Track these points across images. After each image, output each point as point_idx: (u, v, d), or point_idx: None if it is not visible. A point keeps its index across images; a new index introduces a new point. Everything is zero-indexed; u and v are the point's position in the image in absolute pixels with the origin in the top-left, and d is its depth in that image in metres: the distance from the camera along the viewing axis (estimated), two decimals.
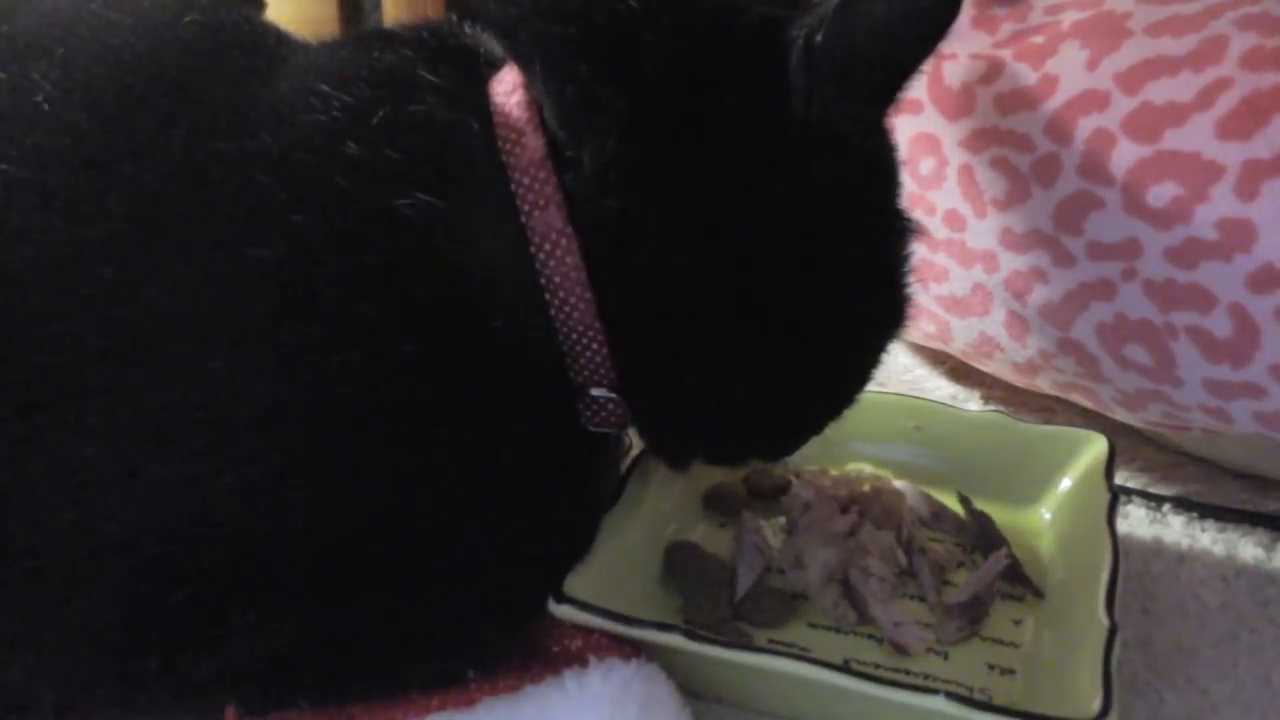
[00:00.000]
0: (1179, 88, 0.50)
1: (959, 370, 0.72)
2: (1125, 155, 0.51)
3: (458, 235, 0.39)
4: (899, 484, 0.56)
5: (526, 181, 0.39)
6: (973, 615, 0.48)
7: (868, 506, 0.53)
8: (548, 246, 0.39)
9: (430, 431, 0.39)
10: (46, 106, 0.38)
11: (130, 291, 0.37)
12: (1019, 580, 0.50)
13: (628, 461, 0.52)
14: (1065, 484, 0.55)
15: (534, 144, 0.39)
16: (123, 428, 0.36)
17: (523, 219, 0.39)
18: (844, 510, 0.53)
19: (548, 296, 0.39)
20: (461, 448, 0.40)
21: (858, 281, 0.43)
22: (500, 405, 0.40)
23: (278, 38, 0.44)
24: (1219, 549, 0.55)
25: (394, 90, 0.40)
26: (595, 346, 0.40)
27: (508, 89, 0.40)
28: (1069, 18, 0.56)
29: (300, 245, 0.37)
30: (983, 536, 0.53)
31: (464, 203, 0.39)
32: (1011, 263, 0.57)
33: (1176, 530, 0.56)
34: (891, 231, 0.44)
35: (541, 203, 0.38)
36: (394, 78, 0.40)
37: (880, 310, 0.45)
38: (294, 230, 0.37)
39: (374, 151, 0.38)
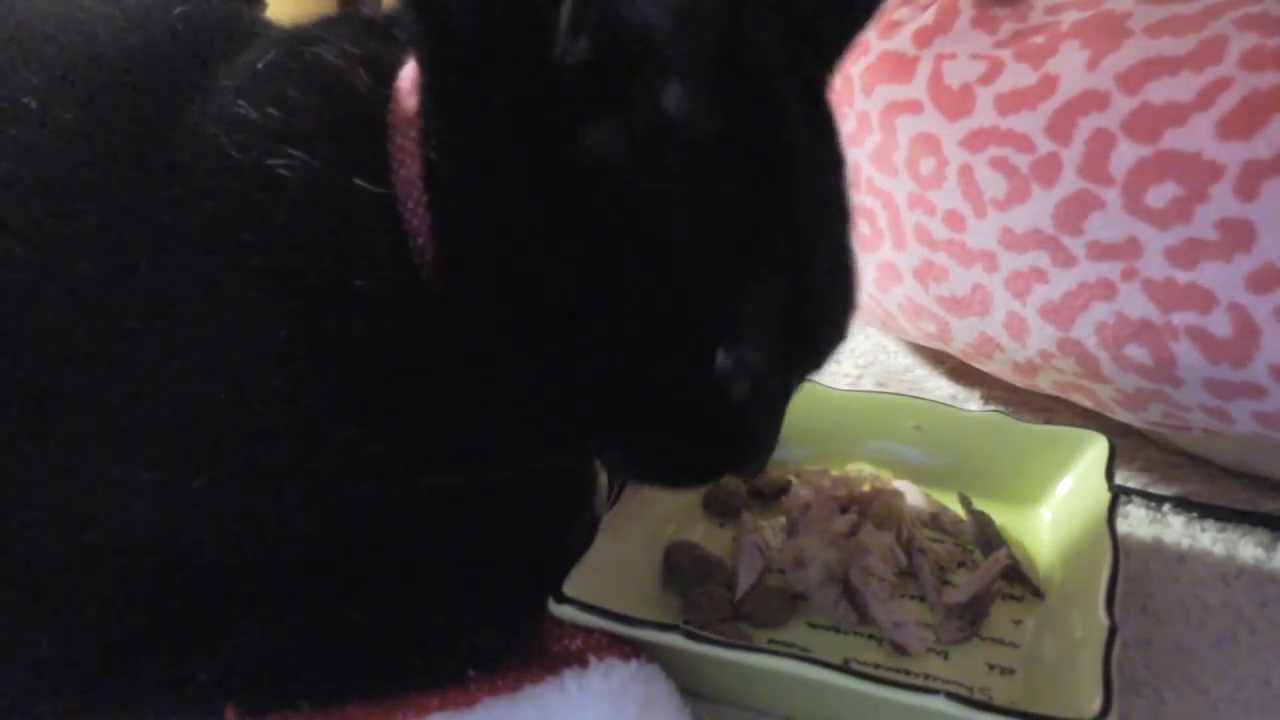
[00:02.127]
0: (1179, 88, 0.50)
1: (959, 370, 0.72)
2: (1125, 155, 0.51)
3: (330, 190, 0.38)
4: (899, 484, 0.56)
5: (398, 139, 0.38)
6: (973, 615, 0.48)
7: (868, 506, 0.53)
8: (410, 204, 0.38)
9: (334, 406, 0.38)
10: (34, 105, 0.38)
11: (105, 290, 0.37)
12: (1019, 580, 0.50)
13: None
14: (1065, 484, 0.55)
15: (409, 103, 0.38)
16: (92, 433, 0.36)
17: (393, 175, 0.38)
18: (844, 510, 0.53)
19: (413, 248, 0.38)
20: (379, 415, 0.39)
21: (628, 291, 0.37)
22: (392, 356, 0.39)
23: (257, 22, 0.44)
24: (1219, 549, 0.55)
25: (297, 49, 0.39)
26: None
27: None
28: (1069, 18, 0.56)
29: (207, 232, 0.37)
30: (983, 536, 0.53)
31: (340, 154, 0.38)
32: (1011, 263, 0.57)
33: (1176, 530, 0.56)
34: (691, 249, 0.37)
35: (408, 161, 0.38)
36: (308, 39, 0.40)
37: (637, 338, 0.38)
38: (205, 215, 0.37)
39: (258, 110, 0.38)
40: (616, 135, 0.36)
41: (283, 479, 0.38)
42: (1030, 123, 0.55)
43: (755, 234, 0.38)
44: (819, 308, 0.41)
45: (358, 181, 0.37)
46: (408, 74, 0.39)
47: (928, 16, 0.63)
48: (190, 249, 0.37)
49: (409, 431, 0.39)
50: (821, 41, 0.43)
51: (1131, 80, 0.52)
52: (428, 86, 0.37)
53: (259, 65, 0.39)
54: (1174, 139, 0.50)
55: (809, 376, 0.44)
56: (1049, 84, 0.55)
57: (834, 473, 0.57)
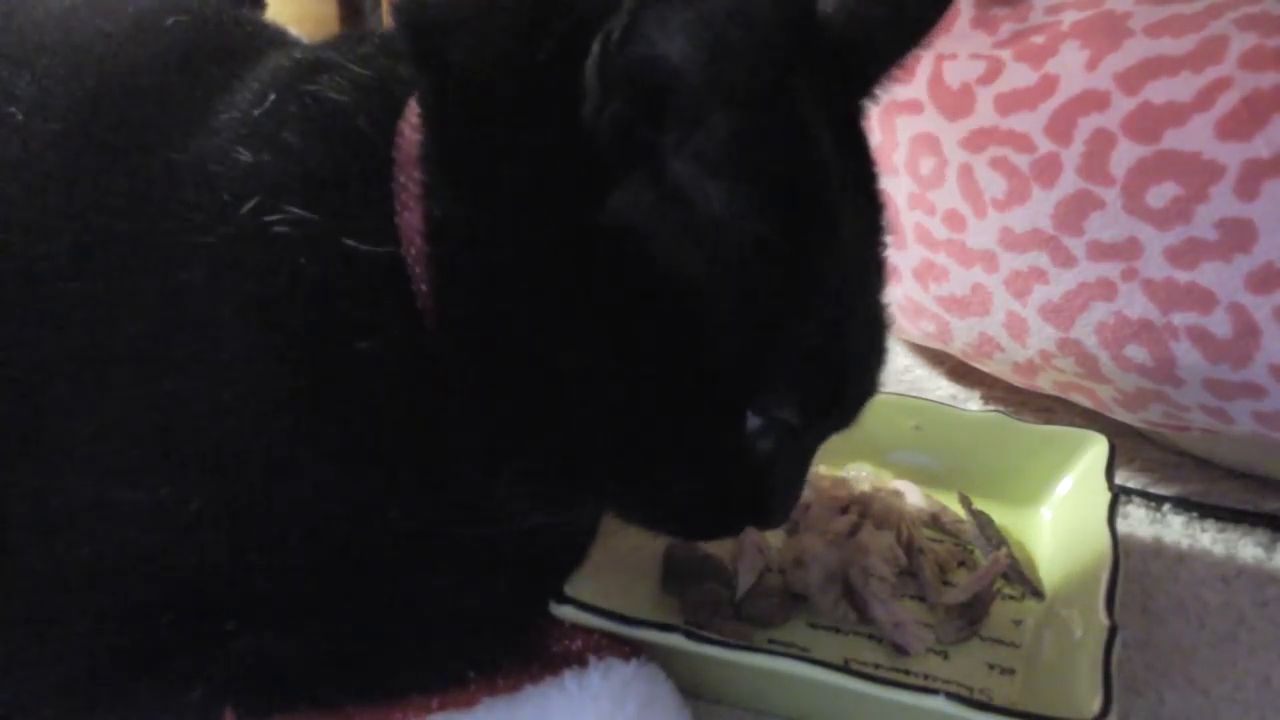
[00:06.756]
0: (1179, 88, 0.50)
1: (959, 370, 0.72)
2: (1125, 155, 0.51)
3: (330, 245, 0.36)
4: (899, 484, 0.56)
5: (402, 179, 0.37)
6: (973, 615, 0.48)
7: (868, 506, 0.53)
8: (413, 250, 0.36)
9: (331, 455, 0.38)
10: (21, 117, 0.38)
11: (91, 309, 0.36)
12: (1019, 580, 0.50)
13: None
14: (1065, 484, 0.55)
15: (414, 139, 0.36)
16: (86, 452, 0.36)
17: (396, 219, 0.36)
18: (844, 510, 0.53)
19: (417, 294, 0.37)
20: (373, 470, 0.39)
21: (645, 350, 0.35)
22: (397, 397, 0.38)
23: (266, 38, 0.43)
24: (1219, 549, 0.55)
25: (299, 88, 0.38)
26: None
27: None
28: (1069, 18, 0.56)
29: (209, 269, 0.36)
30: (983, 536, 0.53)
31: (340, 205, 0.36)
32: (1011, 263, 0.57)
33: (1176, 530, 0.56)
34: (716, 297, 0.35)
35: (411, 204, 0.36)
36: (313, 70, 0.38)
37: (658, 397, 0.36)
38: (207, 252, 0.36)
39: (255, 155, 0.36)
40: (643, 192, 0.34)
41: (278, 511, 0.38)
42: (1030, 123, 0.55)
43: (786, 288, 0.36)
44: (850, 363, 0.40)
45: (356, 244, 0.36)
46: (414, 106, 0.37)
47: None
48: (188, 286, 0.36)
49: (410, 482, 0.39)
50: (858, 71, 0.41)
51: (1131, 80, 0.52)
52: (429, 138, 0.36)
53: (256, 113, 0.37)
54: (1174, 139, 0.50)
55: (837, 431, 0.42)
56: (1049, 84, 0.55)
57: (834, 473, 0.57)
